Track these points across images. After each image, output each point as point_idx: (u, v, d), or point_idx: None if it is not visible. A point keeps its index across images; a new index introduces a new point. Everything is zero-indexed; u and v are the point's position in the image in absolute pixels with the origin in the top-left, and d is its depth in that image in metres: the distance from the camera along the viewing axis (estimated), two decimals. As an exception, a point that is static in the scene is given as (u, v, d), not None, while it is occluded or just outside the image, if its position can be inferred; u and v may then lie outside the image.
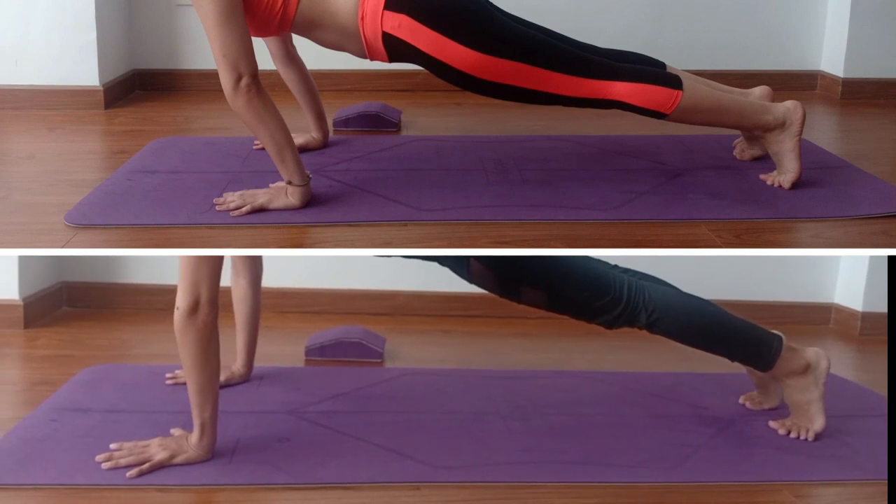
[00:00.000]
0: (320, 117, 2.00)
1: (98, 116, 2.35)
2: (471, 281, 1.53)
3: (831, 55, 2.64)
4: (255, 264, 1.77)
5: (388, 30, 1.55)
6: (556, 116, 2.08)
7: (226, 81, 1.51)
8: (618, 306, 1.53)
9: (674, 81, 1.63)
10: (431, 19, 1.53)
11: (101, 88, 2.40)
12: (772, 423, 1.62)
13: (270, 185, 1.66)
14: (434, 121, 2.32)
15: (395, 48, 1.58)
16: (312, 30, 1.62)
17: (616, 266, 1.63)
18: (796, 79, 2.67)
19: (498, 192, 1.72)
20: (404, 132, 2.21)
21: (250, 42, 1.53)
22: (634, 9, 2.65)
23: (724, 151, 1.97)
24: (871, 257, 2.33)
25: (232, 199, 1.62)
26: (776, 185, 1.73)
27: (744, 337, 1.60)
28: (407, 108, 2.38)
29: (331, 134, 2.07)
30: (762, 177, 1.78)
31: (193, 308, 1.34)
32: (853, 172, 1.86)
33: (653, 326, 1.56)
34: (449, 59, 1.55)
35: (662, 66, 1.75)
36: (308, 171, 1.63)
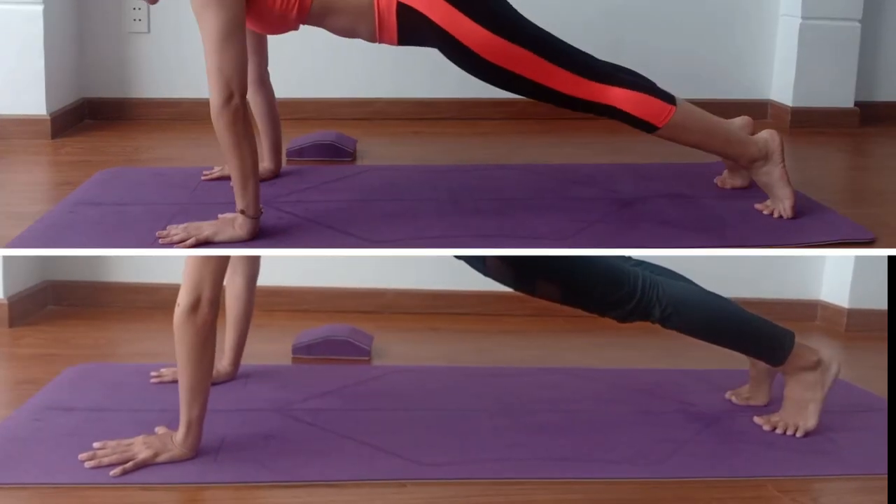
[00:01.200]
0: (276, 148, 1.95)
1: (44, 146, 2.26)
2: (486, 274, 1.53)
3: (781, 84, 2.63)
4: (253, 263, 1.76)
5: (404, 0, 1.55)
6: (512, 144, 2.05)
7: (215, 97, 1.49)
8: (631, 300, 1.53)
9: (668, 96, 1.65)
10: None
11: (49, 117, 2.31)
12: (756, 419, 1.63)
13: (219, 215, 1.62)
14: (390, 150, 2.27)
15: (408, 21, 1.57)
16: (327, 16, 1.60)
17: (630, 259, 1.64)
18: (747, 108, 2.60)
19: (451, 221, 1.69)
20: (359, 161, 2.16)
21: (246, 62, 1.52)
22: (589, 35, 2.58)
23: (676, 180, 1.95)
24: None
25: (175, 231, 1.57)
26: (776, 215, 1.71)
27: (757, 333, 1.61)
28: (363, 137, 2.31)
29: (283, 164, 2.01)
30: (757, 206, 1.75)
31: (194, 306, 1.34)
32: (802, 200, 1.81)
33: (666, 321, 1.56)
34: (461, 36, 1.55)
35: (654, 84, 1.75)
36: (260, 206, 1.59)
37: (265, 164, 1.94)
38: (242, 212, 1.57)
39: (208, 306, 1.35)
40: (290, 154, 2.14)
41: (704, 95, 2.60)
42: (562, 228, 1.66)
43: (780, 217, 1.72)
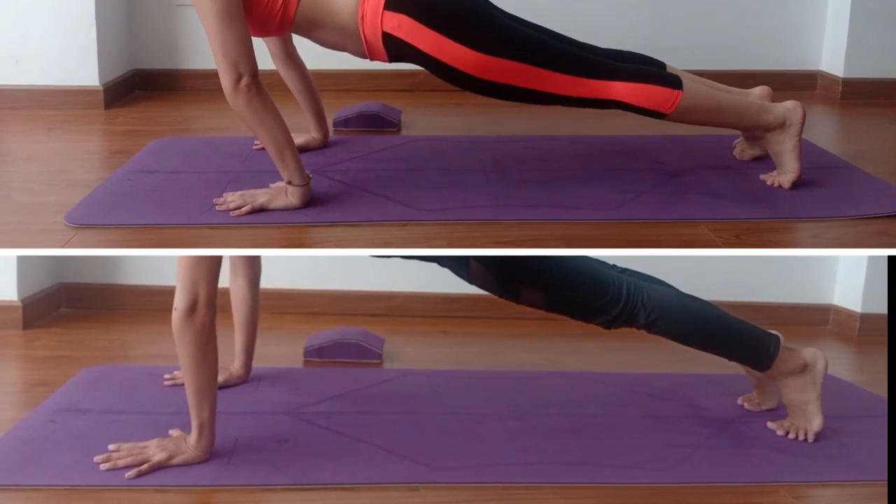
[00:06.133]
0: (320, 117, 2.00)
1: (98, 116, 2.35)
2: (470, 282, 1.53)
3: (831, 55, 2.63)
4: (253, 264, 1.77)
5: (388, 30, 1.55)
6: (556, 116, 2.08)
7: (226, 81, 1.51)
8: (616, 306, 1.53)
9: (674, 81, 1.64)
10: (431, 19, 1.53)
11: (101, 88, 2.41)
12: (770, 424, 1.62)
13: (270, 184, 1.66)
14: (434, 120, 2.32)
15: (395, 48, 1.58)
16: (312, 30, 1.62)
17: (615, 266, 1.64)
18: (796, 79, 2.66)
19: (497, 191, 1.72)
20: (404, 132, 2.21)
21: (250, 42, 1.53)
22: (635, 9, 2.65)
23: (724, 151, 1.97)
24: (870, 258, 2.33)
25: (232, 199, 1.62)
26: (776, 185, 1.73)
27: (742, 337, 1.60)
28: (407, 108, 2.38)
29: (331, 134, 2.07)
30: (762, 177, 1.78)
31: (191, 308, 1.34)
32: (853, 172, 1.86)
33: (651, 326, 1.56)
34: (449, 59, 1.55)
35: (662, 66, 1.75)
36: (308, 171, 1.64)
37: (312, 133, 2.00)
38: (290, 182, 1.59)
39: (205, 307, 1.34)
40: (336, 124, 2.20)
41: (752, 66, 2.63)
42: (610, 199, 1.67)
43: (780, 187, 1.72)
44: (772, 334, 1.61)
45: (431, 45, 1.54)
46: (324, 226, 1.58)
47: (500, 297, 1.55)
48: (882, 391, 1.87)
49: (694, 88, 1.65)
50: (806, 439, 1.56)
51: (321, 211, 1.61)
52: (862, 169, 1.88)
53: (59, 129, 2.24)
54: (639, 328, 1.57)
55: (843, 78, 2.58)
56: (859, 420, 1.68)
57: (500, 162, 1.90)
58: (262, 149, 1.91)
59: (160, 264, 2.31)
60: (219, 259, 1.37)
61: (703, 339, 1.60)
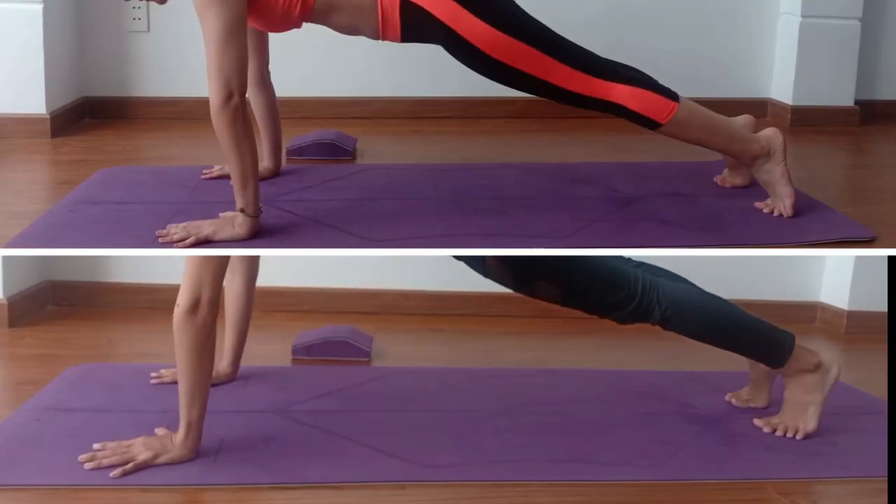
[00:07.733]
0: (277, 147, 1.96)
1: (44, 145, 2.26)
2: (486, 275, 1.53)
3: (780, 83, 2.64)
4: (252, 263, 1.76)
5: None
6: (513, 143, 2.07)
7: (215, 97, 1.50)
8: (632, 302, 1.53)
9: (671, 93, 1.67)
10: None
11: (48, 116, 2.31)
12: (756, 421, 1.63)
13: (220, 214, 1.62)
14: (390, 149, 2.27)
15: (411, 18, 1.57)
16: (330, 13, 1.61)
17: (630, 260, 1.64)
18: (747, 107, 2.60)
19: (451, 220, 1.69)
20: (359, 160, 2.16)
21: (247, 62, 1.53)
22: (589, 35, 2.59)
23: (676, 178, 1.96)
24: (857, 256, 2.34)
25: (175, 230, 1.57)
26: (776, 213, 1.72)
27: (758, 335, 1.61)
28: (363, 136, 2.31)
29: (283, 163, 2.01)
30: (757, 205, 1.76)
31: (194, 306, 1.34)
32: (802, 199, 1.81)
33: (666, 323, 1.56)
34: (465, 32, 1.56)
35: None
36: (260, 204, 1.60)
37: (265, 163, 1.94)
38: (242, 210, 1.57)
39: (208, 307, 1.35)
40: (290, 153, 2.14)
41: (704, 94, 2.57)
42: (562, 227, 1.66)
43: (780, 215, 1.72)
44: (786, 332, 1.62)
45: (450, 15, 1.55)
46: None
47: (515, 291, 1.55)
48: (869, 388, 1.88)
49: (689, 104, 1.68)
50: (794, 437, 1.57)
51: (268, 242, 1.57)
52: (810, 196, 1.85)
53: (2, 158, 2.14)
54: (653, 324, 1.57)
55: (792, 105, 2.58)
56: (846, 417, 1.69)
57: (454, 190, 1.86)
58: (211, 178, 1.91)
59: (147, 262, 2.29)
60: (225, 262, 1.38)
61: (718, 336, 1.61)
